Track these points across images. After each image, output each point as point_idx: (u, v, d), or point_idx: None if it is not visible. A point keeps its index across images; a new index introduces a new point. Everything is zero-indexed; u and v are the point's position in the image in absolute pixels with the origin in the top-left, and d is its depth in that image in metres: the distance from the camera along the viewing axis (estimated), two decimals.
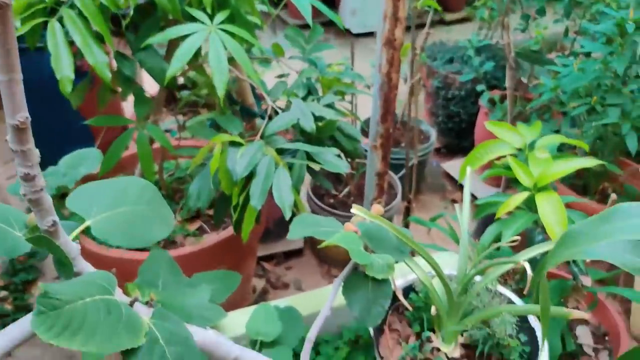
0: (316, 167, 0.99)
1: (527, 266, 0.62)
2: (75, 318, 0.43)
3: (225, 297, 0.96)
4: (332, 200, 1.77)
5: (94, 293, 0.46)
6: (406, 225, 1.71)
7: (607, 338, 1.32)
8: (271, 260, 1.89)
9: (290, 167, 0.98)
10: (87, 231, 1.01)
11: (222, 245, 1.27)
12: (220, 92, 0.87)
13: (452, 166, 2.25)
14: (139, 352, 0.47)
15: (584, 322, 1.35)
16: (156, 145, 1.37)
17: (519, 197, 0.87)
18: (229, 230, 1.29)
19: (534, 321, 0.84)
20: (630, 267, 0.63)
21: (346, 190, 1.86)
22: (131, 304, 0.50)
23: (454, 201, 2.15)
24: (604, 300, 1.32)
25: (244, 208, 0.95)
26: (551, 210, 0.81)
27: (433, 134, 2.09)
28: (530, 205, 0.91)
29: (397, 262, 0.78)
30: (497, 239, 0.92)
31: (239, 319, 0.91)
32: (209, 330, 0.65)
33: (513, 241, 0.73)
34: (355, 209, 0.73)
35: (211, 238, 1.28)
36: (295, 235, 0.76)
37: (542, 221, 0.82)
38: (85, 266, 0.51)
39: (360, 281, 0.75)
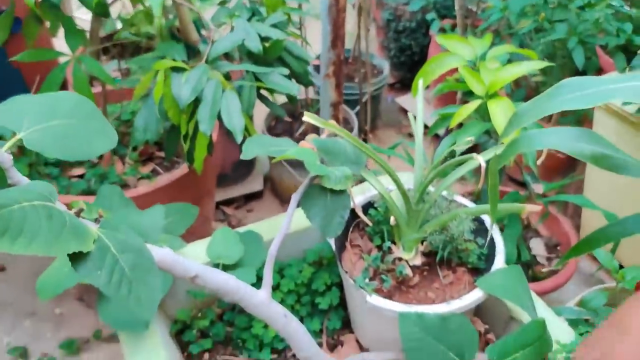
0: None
1: (481, 160, 0.63)
2: (13, 222, 0.40)
3: (183, 229, 0.94)
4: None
5: (32, 199, 0.43)
6: None
7: (558, 248, 1.38)
8: (231, 204, 1.87)
9: (239, 93, 0.94)
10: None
11: (177, 184, 1.23)
12: (157, 10, 0.82)
13: (406, 100, 2.25)
14: (88, 258, 0.45)
15: (537, 234, 1.41)
16: (97, 89, 1.30)
17: (471, 105, 0.87)
18: (183, 169, 1.26)
19: (489, 224, 0.86)
20: (579, 153, 0.65)
21: (302, 128, 1.83)
22: (76, 215, 0.48)
23: (410, 135, 2.17)
24: (556, 214, 1.38)
25: (194, 137, 0.92)
26: (503, 114, 0.82)
27: (386, 67, 2.07)
28: (483, 114, 0.91)
29: (353, 174, 0.77)
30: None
31: (199, 249, 0.90)
32: (166, 248, 0.63)
33: (467, 143, 0.73)
34: (307, 116, 0.71)
35: (164, 178, 1.24)
36: (248, 155, 0.74)
37: (494, 126, 0.83)
38: (21, 179, 0.48)
39: (318, 194, 0.74)
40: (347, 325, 0.96)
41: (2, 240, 0.39)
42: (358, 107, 1.91)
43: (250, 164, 1.89)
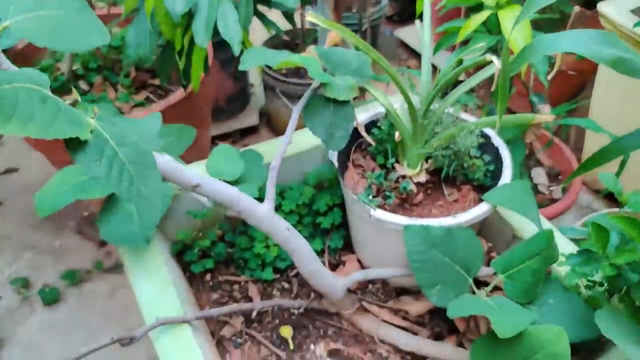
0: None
1: (495, 59, 0.60)
2: (5, 101, 0.37)
3: (182, 150, 0.91)
4: (284, 71, 1.70)
5: (24, 81, 0.40)
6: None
7: (560, 177, 1.38)
8: (227, 139, 1.84)
9: (236, 6, 0.89)
10: None
11: (171, 111, 1.20)
12: None
13: (405, 33, 2.18)
14: (86, 148, 0.43)
15: (539, 163, 1.40)
16: None
17: (480, 17, 0.83)
18: (178, 95, 1.22)
19: (496, 140, 0.84)
20: (597, 56, 0.62)
21: None
22: (72, 105, 0.45)
23: (409, 67, 2.12)
24: (559, 143, 1.36)
25: (190, 53, 0.88)
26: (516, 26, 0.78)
27: None
28: (492, 28, 0.87)
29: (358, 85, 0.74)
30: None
31: (199, 169, 0.88)
32: (166, 155, 0.61)
33: (478, 50, 0.70)
34: (309, 16, 0.67)
35: (159, 104, 1.20)
36: (247, 65, 0.70)
37: (505, 38, 0.79)
38: (10, 66, 0.45)
39: (321, 105, 0.71)
40: (348, 246, 0.96)
41: None
42: None
43: (244, 98, 1.84)
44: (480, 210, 0.75)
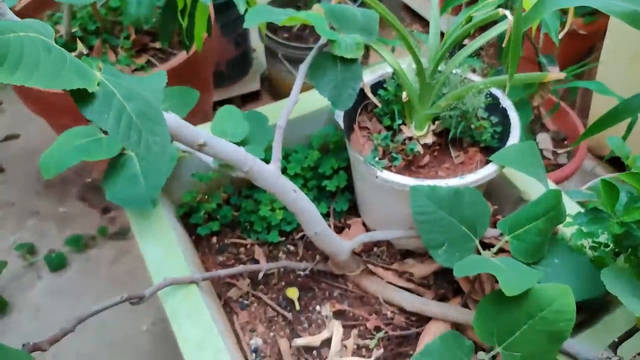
0: None
1: (508, 13, 0.59)
2: (10, 50, 0.36)
3: (184, 113, 0.90)
4: (286, 35, 1.67)
5: (28, 31, 0.39)
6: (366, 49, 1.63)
7: (565, 142, 1.37)
8: (228, 104, 1.82)
9: None
10: None
11: (173, 74, 1.18)
12: None
13: None
14: (94, 101, 0.42)
15: (545, 129, 1.39)
16: None
17: None
18: (180, 58, 1.20)
19: (505, 101, 0.83)
20: (612, 10, 0.61)
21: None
22: (77, 57, 0.44)
23: (412, 31, 2.08)
24: (565, 107, 1.35)
25: (193, 11, 0.86)
26: None
27: None
28: None
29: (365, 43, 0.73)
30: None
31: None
32: (171, 113, 0.60)
33: (491, 4, 0.68)
34: None
35: (160, 67, 1.19)
36: (251, 23, 0.69)
37: None
38: (13, 16, 0.43)
39: (328, 63, 0.70)
40: (353, 209, 0.96)
41: (1, 69, 0.36)
42: (359, 1, 1.81)
43: (246, 62, 1.82)
44: (487, 171, 0.74)
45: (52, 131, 1.45)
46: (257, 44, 1.90)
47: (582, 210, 0.79)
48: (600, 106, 1.47)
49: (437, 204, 0.71)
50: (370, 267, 0.89)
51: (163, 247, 0.77)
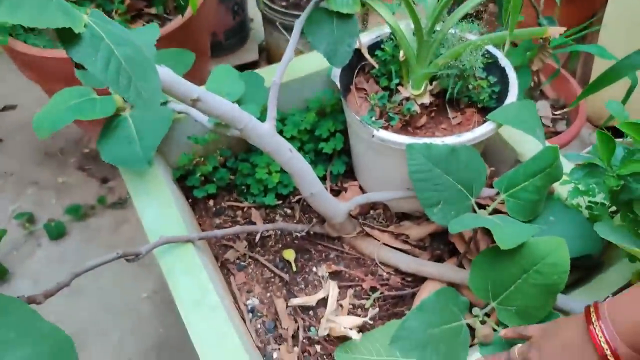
0: None
1: None
2: None
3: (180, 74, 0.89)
4: (284, 3, 1.64)
5: None
6: (365, 14, 1.61)
7: (565, 110, 1.35)
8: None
9: None
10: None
11: (168, 39, 1.17)
12: None
13: None
14: (81, 43, 0.41)
15: (544, 96, 1.37)
16: None
17: None
18: (176, 23, 1.19)
19: (503, 60, 0.82)
20: None
21: None
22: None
23: None
24: (565, 74, 1.33)
25: None
26: None
27: None
28: None
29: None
30: None
31: None
32: (165, 67, 0.59)
33: None
34: None
35: None
36: None
37: None
38: None
39: (324, 18, 0.69)
40: (350, 173, 0.95)
41: None
42: None
43: (244, 33, 1.80)
44: (485, 129, 0.74)
45: (49, 100, 1.44)
46: (254, 13, 1.87)
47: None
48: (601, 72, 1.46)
49: (433, 162, 0.71)
50: (367, 229, 0.89)
51: (159, 207, 0.77)
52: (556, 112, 1.29)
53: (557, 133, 1.28)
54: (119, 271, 1.38)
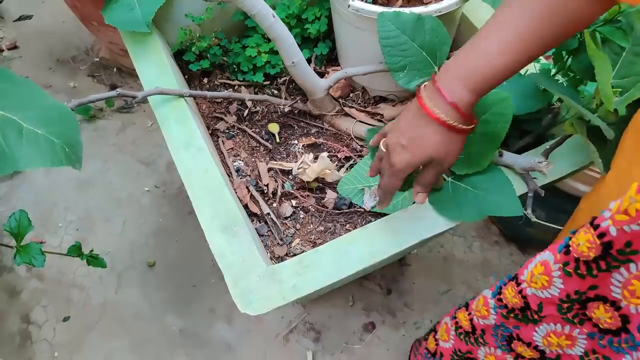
0: None
1: None
2: None
3: None
4: None
5: None
6: None
7: None
8: None
9: None
10: None
11: None
12: None
13: None
14: None
15: None
16: None
17: None
18: None
19: None
20: None
21: None
22: None
23: None
24: None
25: None
26: None
27: None
28: None
29: None
30: None
31: None
32: None
33: None
34: None
35: None
36: None
37: None
38: None
39: None
40: (335, 61, 1.03)
41: None
42: None
43: None
44: (449, 1, 0.81)
45: (62, 14, 1.52)
46: None
47: None
48: None
49: (400, 28, 0.78)
50: (346, 109, 0.98)
51: (156, 68, 0.86)
52: None
53: None
54: (125, 167, 1.49)
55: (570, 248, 0.49)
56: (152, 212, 1.41)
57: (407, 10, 0.80)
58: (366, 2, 0.86)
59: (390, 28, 0.79)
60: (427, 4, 0.90)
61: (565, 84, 0.73)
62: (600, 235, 0.45)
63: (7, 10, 1.84)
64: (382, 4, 0.88)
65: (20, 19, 1.81)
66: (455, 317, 0.78)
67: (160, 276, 1.32)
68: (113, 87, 1.63)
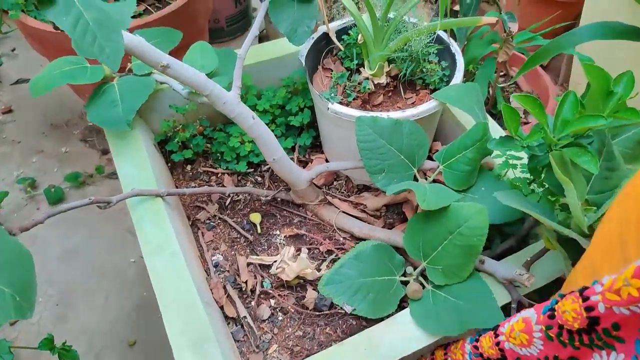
0: None
1: None
2: None
3: (166, 51, 0.98)
4: None
5: None
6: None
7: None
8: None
9: None
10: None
11: (167, 21, 1.26)
12: None
13: None
14: (55, 6, 0.50)
15: (519, 89, 1.44)
16: None
17: None
18: (175, 5, 1.28)
19: (454, 47, 0.90)
20: None
21: None
22: None
23: None
24: (539, 70, 1.40)
25: None
26: None
27: None
28: None
29: None
30: None
31: None
32: (138, 36, 0.68)
33: None
34: None
35: (156, 13, 1.27)
36: None
37: None
38: None
39: (286, 1, 0.78)
40: (319, 148, 1.04)
41: None
42: None
43: (245, 20, 1.89)
44: (427, 107, 0.82)
45: None
46: (258, 3, 1.96)
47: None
48: (580, 72, 1.52)
49: (377, 133, 0.79)
50: (329, 198, 0.98)
51: (135, 165, 0.86)
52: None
53: (527, 123, 1.35)
54: (112, 237, 1.48)
55: (556, 313, 0.47)
56: (136, 285, 1.40)
57: (384, 114, 0.80)
58: (347, 99, 0.87)
59: (368, 132, 0.79)
60: (407, 98, 0.91)
61: (540, 195, 0.73)
62: (588, 309, 0.43)
63: (6, 74, 1.87)
64: (363, 100, 0.89)
65: (17, 82, 1.83)
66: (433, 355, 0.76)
67: (140, 357, 1.29)
68: (104, 152, 1.64)
